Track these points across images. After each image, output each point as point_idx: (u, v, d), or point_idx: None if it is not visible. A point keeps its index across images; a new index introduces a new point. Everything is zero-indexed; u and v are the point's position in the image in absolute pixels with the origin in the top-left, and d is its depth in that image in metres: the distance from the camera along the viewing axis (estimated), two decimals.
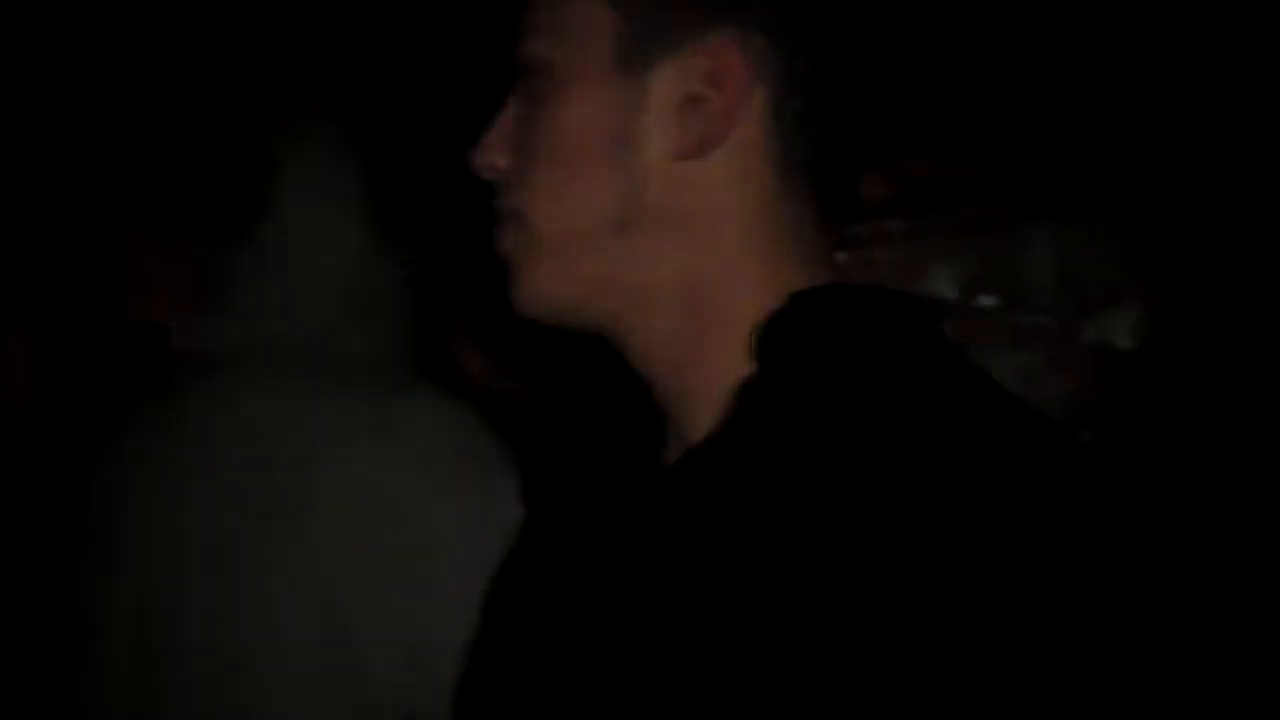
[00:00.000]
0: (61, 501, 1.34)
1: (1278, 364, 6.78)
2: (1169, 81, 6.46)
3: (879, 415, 0.47)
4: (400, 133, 1.40)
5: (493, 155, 0.58)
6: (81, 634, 1.15)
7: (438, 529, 1.03)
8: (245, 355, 1.17)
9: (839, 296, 0.55)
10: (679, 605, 0.47)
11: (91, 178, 6.04)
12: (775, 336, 0.53)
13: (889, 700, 0.37)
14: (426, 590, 1.00)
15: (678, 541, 0.49)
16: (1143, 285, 8.12)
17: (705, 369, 0.55)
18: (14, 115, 5.52)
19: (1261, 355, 6.89)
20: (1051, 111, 6.78)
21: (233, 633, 1.03)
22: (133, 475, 1.16)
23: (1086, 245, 8.65)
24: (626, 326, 0.58)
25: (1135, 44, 6.03)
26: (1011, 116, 6.92)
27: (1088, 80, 6.40)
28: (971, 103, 6.69)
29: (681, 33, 0.53)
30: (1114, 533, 0.43)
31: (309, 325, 1.18)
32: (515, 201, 0.57)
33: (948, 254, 9.15)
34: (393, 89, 1.57)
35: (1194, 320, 7.37)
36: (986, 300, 8.97)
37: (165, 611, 1.08)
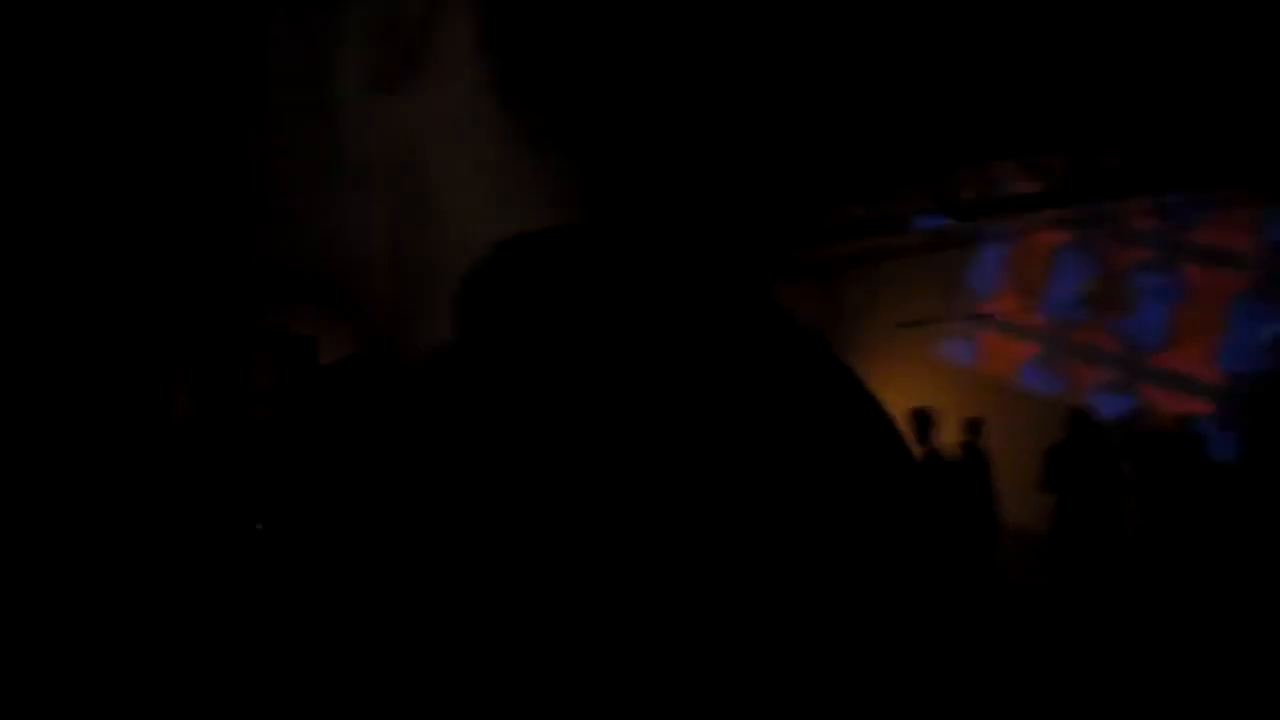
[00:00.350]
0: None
1: None
2: None
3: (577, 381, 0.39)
4: None
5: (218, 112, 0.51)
6: None
7: None
8: None
9: (555, 242, 0.45)
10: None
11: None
12: (474, 295, 0.45)
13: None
14: None
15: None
16: None
17: (427, 340, 0.47)
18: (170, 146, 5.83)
19: None
20: (1192, 100, 6.85)
21: None
22: None
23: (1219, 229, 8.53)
24: (347, 296, 0.50)
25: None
26: (1151, 106, 6.93)
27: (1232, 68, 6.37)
28: (1111, 94, 6.72)
29: None
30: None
31: None
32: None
33: (1089, 246, 9.11)
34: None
35: None
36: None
37: None
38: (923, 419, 6.49)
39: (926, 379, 9.75)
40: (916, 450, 4.42)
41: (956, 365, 10.24)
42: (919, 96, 6.73)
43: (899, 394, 7.93)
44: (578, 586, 0.33)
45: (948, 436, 7.09)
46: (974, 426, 6.94)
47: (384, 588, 0.38)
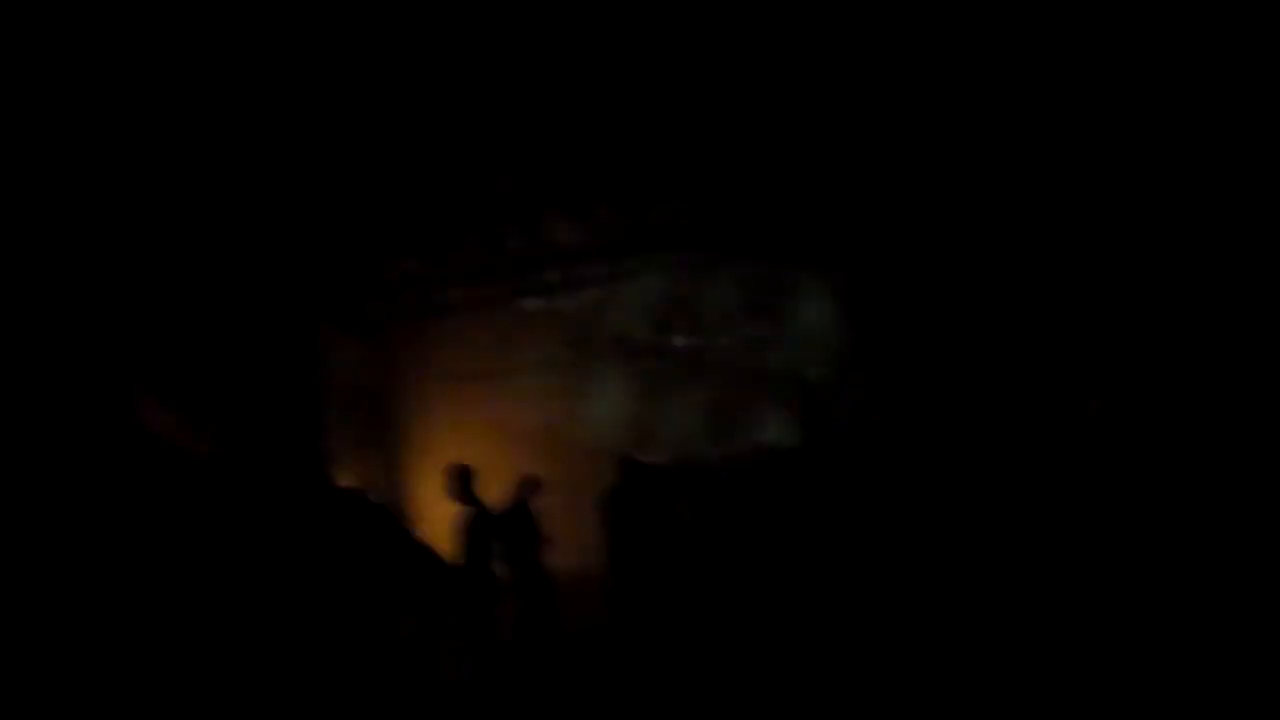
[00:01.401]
0: None
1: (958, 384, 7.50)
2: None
3: None
4: None
5: None
6: None
7: None
8: None
9: None
10: None
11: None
12: None
13: None
14: None
15: None
16: (831, 319, 8.72)
17: None
18: None
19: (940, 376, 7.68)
20: (735, 157, 7.12)
21: None
22: None
23: (766, 282, 9.04)
24: None
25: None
26: (697, 162, 7.15)
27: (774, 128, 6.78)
28: (660, 149, 6.90)
29: None
30: None
31: None
32: None
33: (641, 296, 9.04)
34: None
35: (878, 351, 8.25)
36: (678, 338, 9.34)
37: None
38: (459, 475, 6.28)
39: (484, 433, 9.60)
40: (454, 503, 5.64)
41: (513, 418, 9.93)
42: (472, 152, 6.67)
43: (457, 448, 8.01)
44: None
45: (502, 490, 6.82)
46: (528, 484, 6.84)
47: None
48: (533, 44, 5.48)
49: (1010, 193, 7.05)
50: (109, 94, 5.23)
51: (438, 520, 6.57)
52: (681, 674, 5.85)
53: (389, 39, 5.41)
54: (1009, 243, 7.20)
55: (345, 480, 8.91)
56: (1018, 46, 5.98)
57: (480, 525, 6.12)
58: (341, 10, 5.17)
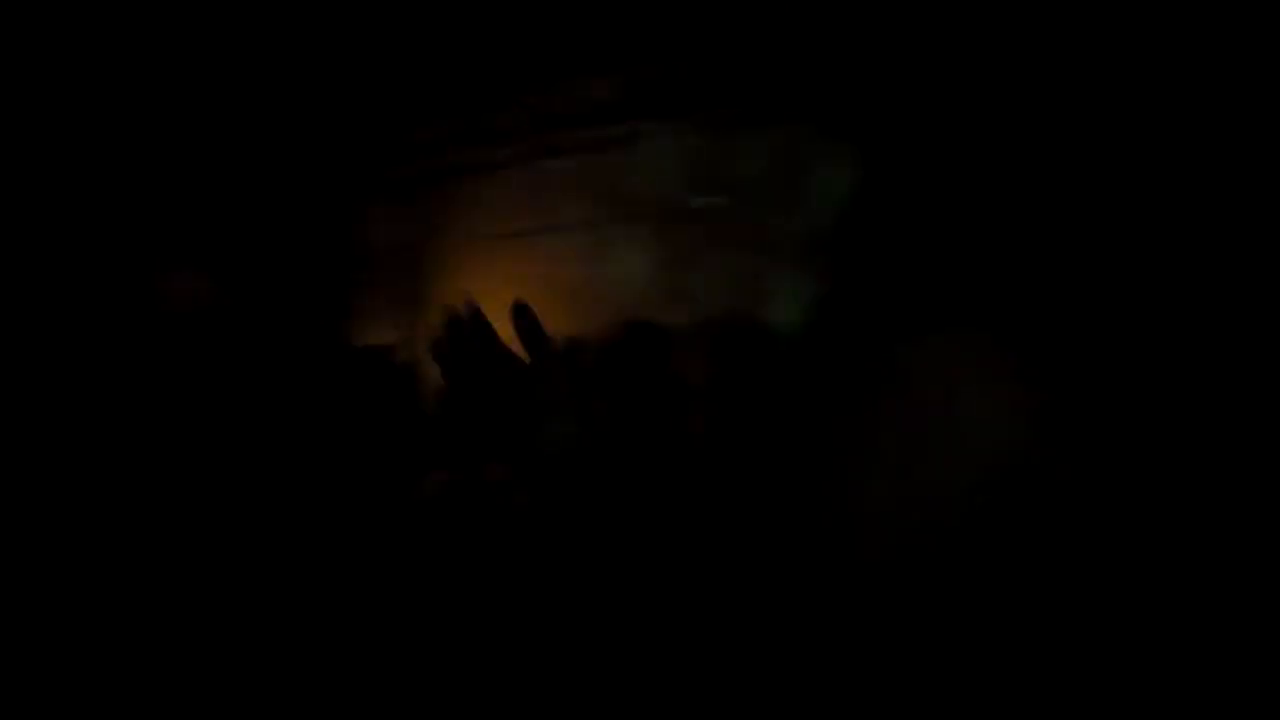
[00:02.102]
0: None
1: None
2: None
3: None
4: None
5: None
6: None
7: None
8: None
9: None
10: None
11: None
12: None
13: None
14: None
15: None
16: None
17: None
18: None
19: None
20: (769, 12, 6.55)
21: None
22: None
23: (796, 146, 8.89)
24: None
25: None
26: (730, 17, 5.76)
27: None
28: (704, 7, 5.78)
29: None
30: None
31: None
32: None
33: (670, 156, 8.82)
34: None
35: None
36: (706, 200, 8.96)
37: None
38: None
39: (512, 293, 10.34)
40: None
41: (541, 279, 11.28)
42: (500, 9, 5.68)
43: (485, 308, 8.99)
44: None
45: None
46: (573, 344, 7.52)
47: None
48: None
49: None
50: None
51: None
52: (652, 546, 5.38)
53: None
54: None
55: (377, 339, 8.98)
56: None
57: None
58: None
